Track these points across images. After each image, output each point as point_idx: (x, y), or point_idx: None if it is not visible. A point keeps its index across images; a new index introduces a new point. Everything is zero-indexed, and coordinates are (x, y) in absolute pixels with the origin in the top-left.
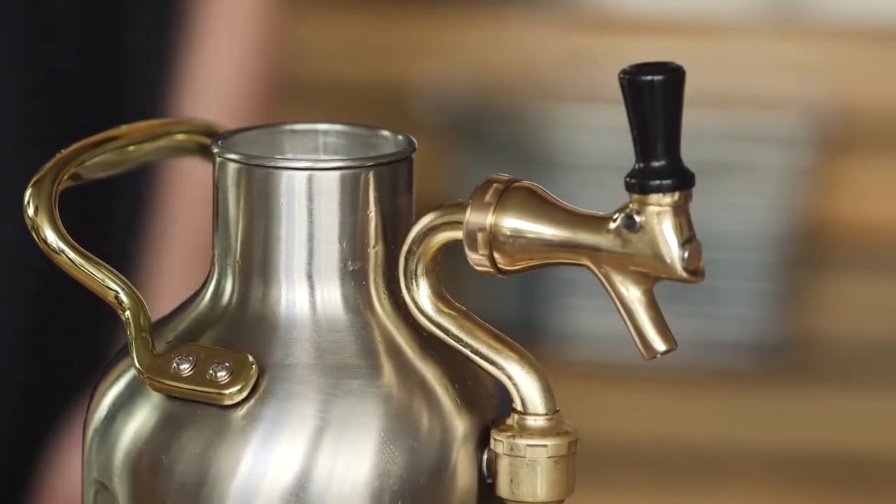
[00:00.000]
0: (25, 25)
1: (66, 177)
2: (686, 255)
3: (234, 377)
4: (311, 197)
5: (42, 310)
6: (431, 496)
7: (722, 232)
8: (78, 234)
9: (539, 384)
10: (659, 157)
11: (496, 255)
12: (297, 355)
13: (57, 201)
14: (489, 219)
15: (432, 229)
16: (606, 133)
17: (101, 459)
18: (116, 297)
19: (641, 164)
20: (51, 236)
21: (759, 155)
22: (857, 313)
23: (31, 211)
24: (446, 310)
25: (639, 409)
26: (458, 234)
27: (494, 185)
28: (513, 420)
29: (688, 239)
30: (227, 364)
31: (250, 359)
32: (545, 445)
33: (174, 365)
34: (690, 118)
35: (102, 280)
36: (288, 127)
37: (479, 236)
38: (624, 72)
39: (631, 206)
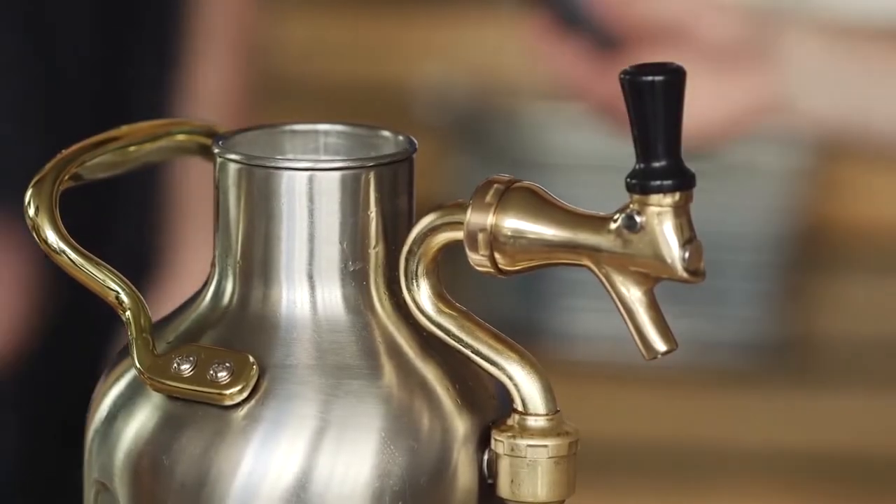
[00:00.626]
0: (30, 28)
1: (66, 177)
2: (687, 255)
3: (235, 378)
4: (311, 197)
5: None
6: (432, 496)
7: (722, 232)
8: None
9: (540, 384)
10: (659, 158)
11: (497, 256)
12: (297, 356)
13: (58, 201)
14: (490, 219)
15: (433, 230)
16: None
17: (101, 460)
18: (117, 298)
19: (642, 165)
20: (51, 236)
21: (759, 155)
22: (857, 313)
23: (31, 211)
24: (447, 310)
25: (638, 409)
26: (458, 234)
27: (495, 185)
28: (513, 420)
29: (688, 239)
30: (227, 364)
31: (251, 359)
32: (546, 446)
33: (175, 365)
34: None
35: (103, 280)
36: (288, 127)
37: (480, 237)
38: (624, 72)
39: (631, 206)
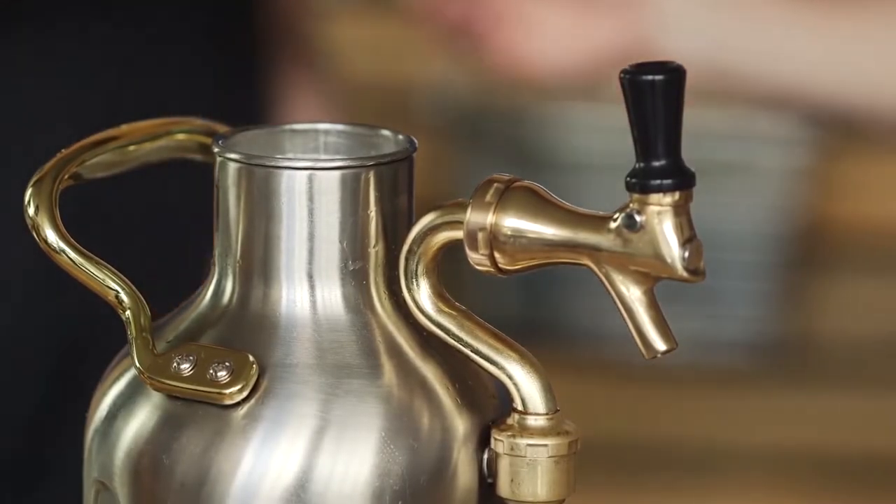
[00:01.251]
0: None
1: (66, 176)
2: (687, 254)
3: (235, 377)
4: (311, 197)
5: None
6: (432, 496)
7: (722, 232)
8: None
9: (539, 384)
10: (659, 157)
11: (497, 255)
12: (297, 355)
13: (57, 201)
14: (490, 218)
15: (433, 229)
16: (607, 133)
17: (101, 459)
18: (117, 297)
19: (642, 164)
20: (51, 236)
21: (759, 155)
22: (856, 313)
23: (31, 210)
24: (447, 309)
25: (638, 408)
26: (458, 233)
27: (495, 184)
28: (513, 420)
29: (688, 238)
30: (227, 364)
31: (251, 358)
32: (546, 445)
33: (175, 365)
34: (690, 118)
35: (103, 280)
36: (288, 127)
37: (480, 236)
38: (625, 71)
39: (631, 205)
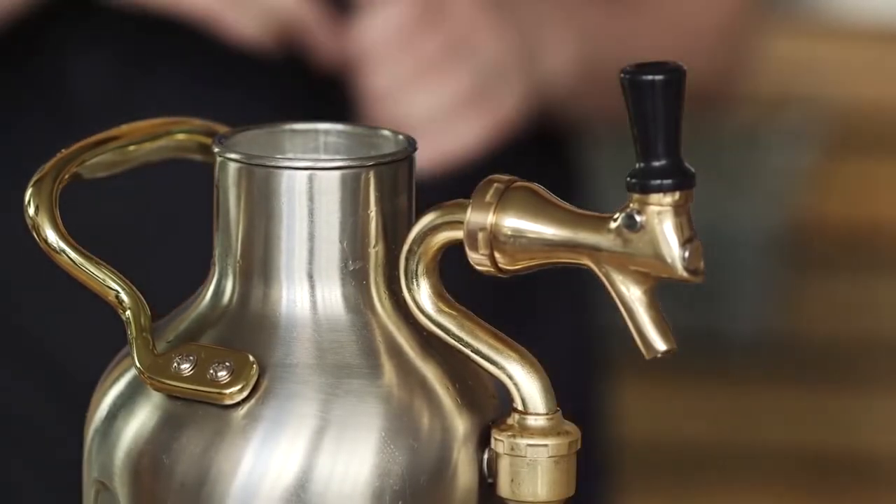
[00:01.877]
0: None
1: (66, 176)
2: (687, 254)
3: (235, 377)
4: (311, 196)
5: None
6: (432, 496)
7: (722, 232)
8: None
9: (539, 384)
10: (659, 157)
11: (497, 255)
12: (297, 355)
13: (58, 201)
14: (490, 218)
15: (433, 229)
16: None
17: (101, 459)
18: (117, 297)
19: (642, 164)
20: (51, 236)
21: (759, 155)
22: (856, 313)
23: (31, 210)
24: (447, 309)
25: (638, 408)
26: (458, 233)
27: (495, 184)
28: (513, 420)
29: (688, 238)
30: (227, 364)
31: (251, 358)
32: (546, 445)
33: (175, 365)
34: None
35: (103, 280)
36: (288, 126)
37: (480, 236)
38: (625, 71)
39: (631, 205)
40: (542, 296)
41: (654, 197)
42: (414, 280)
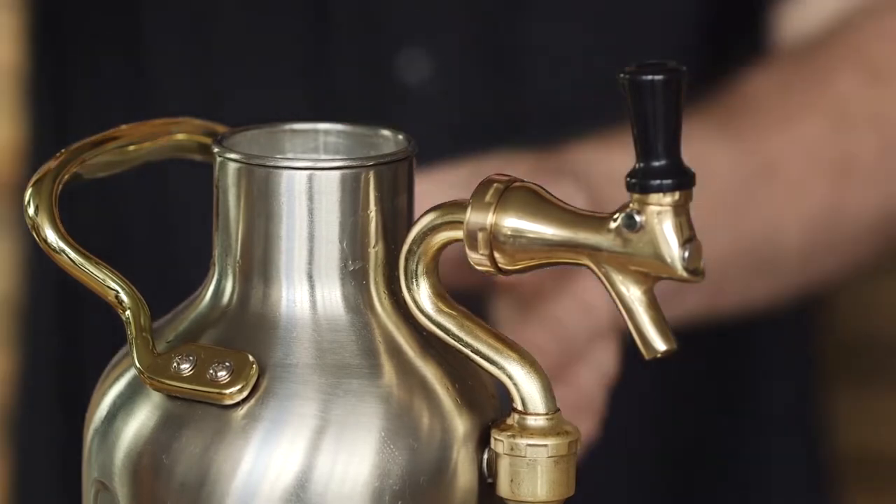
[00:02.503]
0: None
1: (66, 176)
2: (686, 254)
3: (235, 377)
4: (311, 196)
5: None
6: (432, 496)
7: None
8: None
9: (539, 384)
10: (659, 157)
11: (496, 255)
12: (297, 355)
13: (57, 201)
14: (489, 218)
15: (433, 229)
16: None
17: (101, 459)
18: (117, 297)
19: (642, 164)
20: (51, 236)
21: None
22: (856, 312)
23: (31, 210)
24: (447, 309)
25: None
26: (458, 233)
27: (495, 184)
28: (513, 420)
29: (688, 238)
30: (227, 364)
31: (251, 358)
32: (545, 445)
33: (174, 365)
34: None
35: (103, 280)
36: (288, 126)
37: (480, 236)
38: (625, 71)
39: (631, 205)
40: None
41: (654, 197)
42: (414, 280)
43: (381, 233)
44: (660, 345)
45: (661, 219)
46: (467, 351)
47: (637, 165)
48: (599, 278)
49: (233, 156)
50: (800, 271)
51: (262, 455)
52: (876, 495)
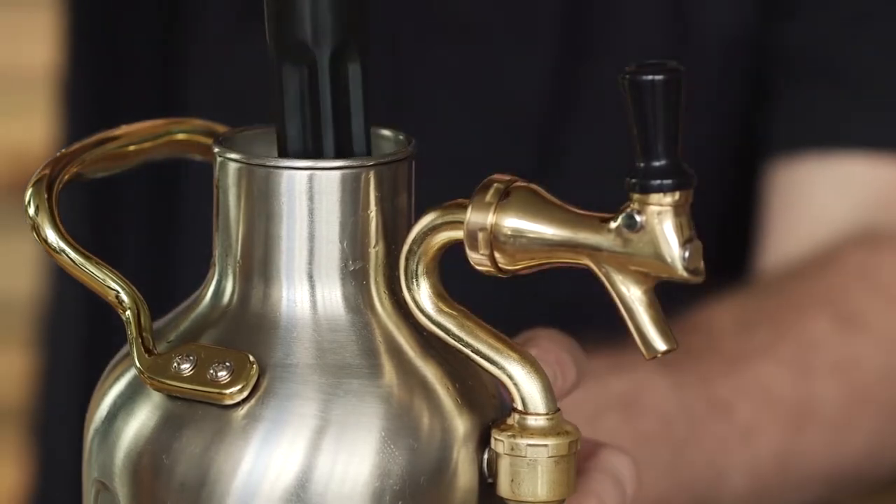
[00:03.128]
0: None
1: (66, 176)
2: (687, 254)
3: (235, 377)
4: (311, 197)
5: None
6: (432, 496)
7: None
8: None
9: (540, 384)
10: (659, 157)
11: (497, 255)
12: (297, 355)
13: (57, 201)
14: (490, 218)
15: (433, 229)
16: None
17: (101, 459)
18: (117, 297)
19: (642, 164)
20: (51, 236)
21: None
22: None
23: (31, 210)
24: (447, 309)
25: None
26: (458, 233)
27: (495, 184)
28: (513, 420)
29: (688, 239)
30: (227, 364)
31: (251, 358)
32: (546, 445)
33: (175, 365)
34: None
35: (103, 280)
36: None
37: (480, 236)
38: (625, 72)
39: (631, 205)
40: None
41: (654, 197)
42: (414, 280)
43: (382, 233)
44: (660, 345)
45: (661, 219)
46: (467, 351)
47: (637, 165)
48: (600, 278)
49: (233, 156)
50: None
51: (263, 455)
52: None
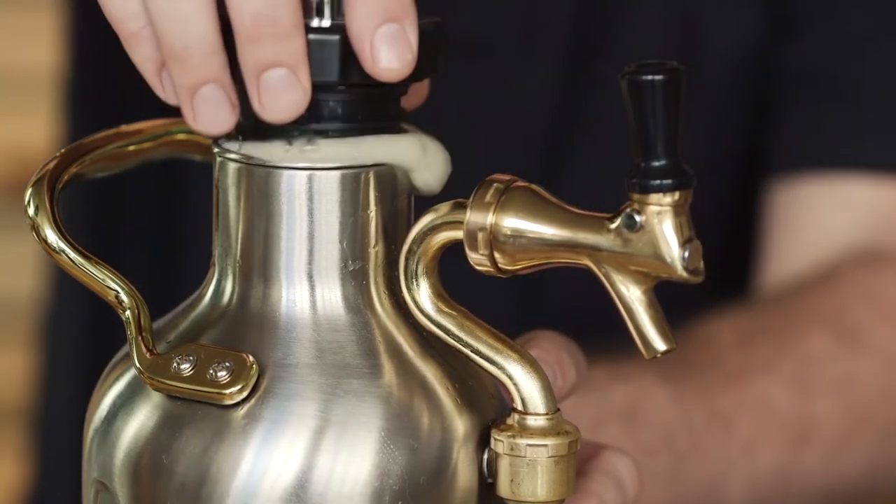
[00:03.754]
0: None
1: (66, 176)
2: (686, 254)
3: (235, 377)
4: (311, 197)
5: None
6: (432, 496)
7: None
8: None
9: (539, 384)
10: (659, 157)
11: (496, 255)
12: (297, 355)
13: (57, 201)
14: (489, 218)
15: (433, 229)
16: None
17: (101, 459)
18: (116, 297)
19: (642, 164)
20: (51, 236)
21: None
22: None
23: (31, 210)
24: (446, 309)
25: None
26: (458, 233)
27: (495, 184)
28: (513, 420)
29: (688, 238)
30: (227, 364)
31: (251, 358)
32: (545, 445)
33: (174, 365)
34: None
35: (102, 280)
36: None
37: (480, 236)
38: (624, 72)
39: (631, 205)
40: None
41: (654, 197)
42: (414, 280)
43: (381, 233)
44: (660, 345)
45: (660, 219)
46: (467, 351)
47: (637, 165)
48: (599, 278)
49: (233, 156)
50: None
51: (262, 455)
52: None
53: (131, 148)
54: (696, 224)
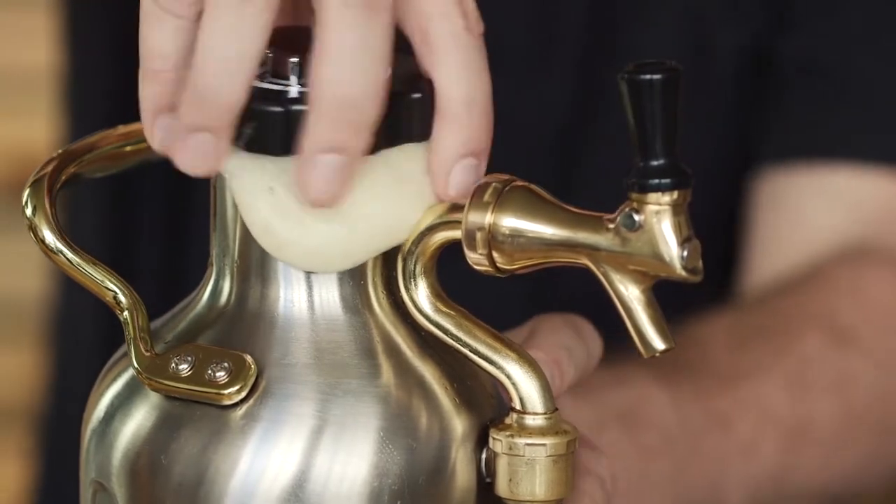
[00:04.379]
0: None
1: (65, 177)
2: (685, 253)
3: (233, 377)
4: None
5: None
6: (430, 496)
7: None
8: None
9: (538, 383)
10: (658, 157)
11: (495, 255)
12: (295, 355)
13: (55, 201)
14: (488, 218)
15: (431, 229)
16: None
17: (99, 460)
18: (115, 298)
19: (640, 164)
20: (49, 237)
21: None
22: None
23: (29, 211)
24: (445, 309)
25: None
26: (457, 233)
27: (493, 184)
28: (511, 419)
29: (687, 238)
30: (225, 364)
31: (249, 359)
32: (544, 444)
33: (173, 365)
34: None
35: (101, 280)
36: None
37: (478, 236)
38: (624, 71)
39: (630, 205)
40: None
41: (653, 196)
42: (412, 280)
43: None
44: (658, 344)
45: (659, 218)
46: (465, 351)
47: (636, 165)
48: (598, 277)
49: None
50: None
51: (261, 455)
52: None
53: (129, 148)
54: (695, 224)
